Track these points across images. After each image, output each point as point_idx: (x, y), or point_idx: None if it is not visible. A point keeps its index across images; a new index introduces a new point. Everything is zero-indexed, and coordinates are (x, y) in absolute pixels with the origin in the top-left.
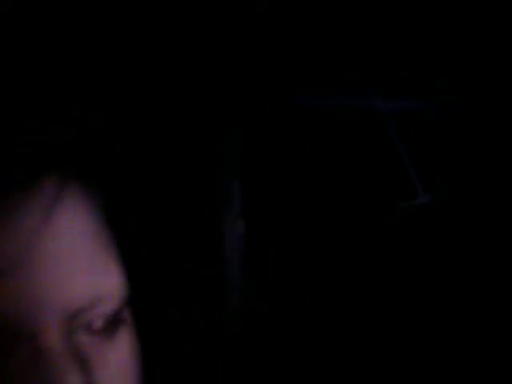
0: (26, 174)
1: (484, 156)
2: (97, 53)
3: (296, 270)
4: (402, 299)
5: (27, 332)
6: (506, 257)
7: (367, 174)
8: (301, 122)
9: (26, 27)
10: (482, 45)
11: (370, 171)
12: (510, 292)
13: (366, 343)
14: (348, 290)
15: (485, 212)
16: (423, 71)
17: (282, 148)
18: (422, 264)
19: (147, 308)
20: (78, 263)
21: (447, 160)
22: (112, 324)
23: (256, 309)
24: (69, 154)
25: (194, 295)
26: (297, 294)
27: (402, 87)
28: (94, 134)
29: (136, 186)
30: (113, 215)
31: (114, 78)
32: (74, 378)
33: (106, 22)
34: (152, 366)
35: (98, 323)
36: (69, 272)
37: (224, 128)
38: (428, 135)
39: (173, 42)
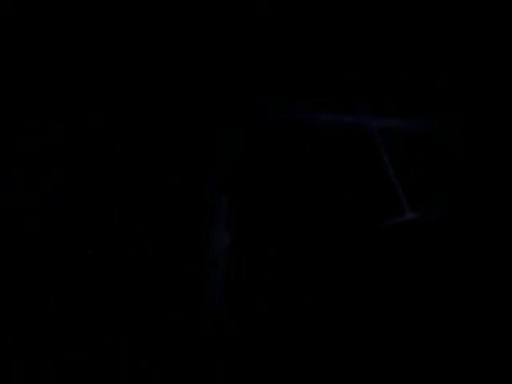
0: None
1: (474, 172)
2: (97, 53)
3: (295, 270)
4: (400, 298)
5: None
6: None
7: (356, 189)
8: (294, 136)
9: (26, 27)
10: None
11: (359, 185)
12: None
13: (366, 343)
14: (347, 289)
15: (475, 227)
16: (413, 87)
17: (280, 155)
18: (420, 262)
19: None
20: None
21: (435, 178)
22: None
23: (249, 311)
24: None
25: (176, 302)
26: (296, 293)
27: (391, 104)
28: (94, 134)
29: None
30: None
31: (113, 78)
32: None
33: (104, 23)
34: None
35: None
36: None
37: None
38: (416, 152)
39: (172, 47)
